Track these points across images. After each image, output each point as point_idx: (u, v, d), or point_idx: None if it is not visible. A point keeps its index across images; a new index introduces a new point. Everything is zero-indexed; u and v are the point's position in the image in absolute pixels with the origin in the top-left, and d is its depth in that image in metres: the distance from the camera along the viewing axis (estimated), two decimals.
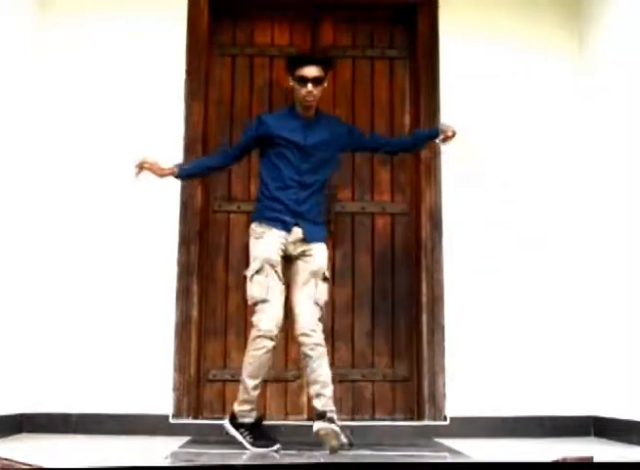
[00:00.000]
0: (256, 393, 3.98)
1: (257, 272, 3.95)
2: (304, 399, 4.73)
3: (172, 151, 4.70)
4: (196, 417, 4.59)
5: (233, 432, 3.96)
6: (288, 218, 4.01)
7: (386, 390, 4.79)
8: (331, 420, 3.87)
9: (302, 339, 3.94)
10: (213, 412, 4.69)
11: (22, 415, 4.42)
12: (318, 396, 3.92)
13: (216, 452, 3.81)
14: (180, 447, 3.95)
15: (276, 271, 3.96)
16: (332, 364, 4.76)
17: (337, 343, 4.80)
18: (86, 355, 4.53)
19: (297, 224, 4.02)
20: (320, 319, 3.99)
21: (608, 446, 4.17)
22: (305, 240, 4.03)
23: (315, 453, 3.74)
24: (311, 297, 3.98)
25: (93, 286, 4.60)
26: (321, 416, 3.87)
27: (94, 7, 4.82)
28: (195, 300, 4.64)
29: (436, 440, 4.37)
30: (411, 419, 4.70)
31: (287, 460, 3.62)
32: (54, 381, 4.51)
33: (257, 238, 4.02)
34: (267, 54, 5.04)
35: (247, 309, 4.77)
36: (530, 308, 4.69)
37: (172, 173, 4.11)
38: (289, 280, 4.05)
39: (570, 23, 4.94)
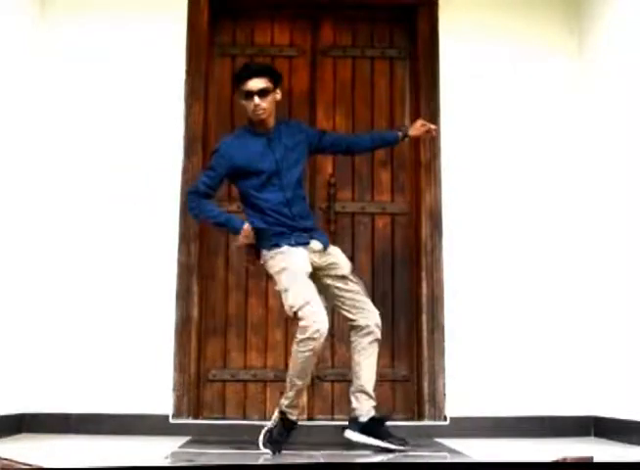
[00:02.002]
0: (300, 396, 3.92)
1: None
2: (304, 398, 4.72)
3: (172, 151, 4.71)
4: (196, 417, 4.59)
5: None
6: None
7: (386, 390, 4.78)
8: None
9: None
10: (213, 412, 4.69)
11: (22, 415, 4.42)
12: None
13: (216, 452, 3.81)
14: (180, 447, 3.95)
15: None
16: (332, 365, 4.78)
17: (337, 343, 4.79)
18: (86, 355, 4.53)
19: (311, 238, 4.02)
20: None
21: (608, 446, 4.17)
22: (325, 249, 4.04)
23: (315, 453, 3.74)
24: None
25: (93, 286, 4.60)
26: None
27: (94, 7, 4.82)
28: (195, 300, 4.64)
29: (436, 440, 4.37)
30: (411, 419, 4.70)
31: (287, 460, 3.62)
32: (54, 381, 4.51)
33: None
34: (267, 54, 5.03)
35: (247, 309, 4.79)
36: (530, 308, 4.69)
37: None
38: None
39: (570, 22, 4.94)
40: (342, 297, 4.00)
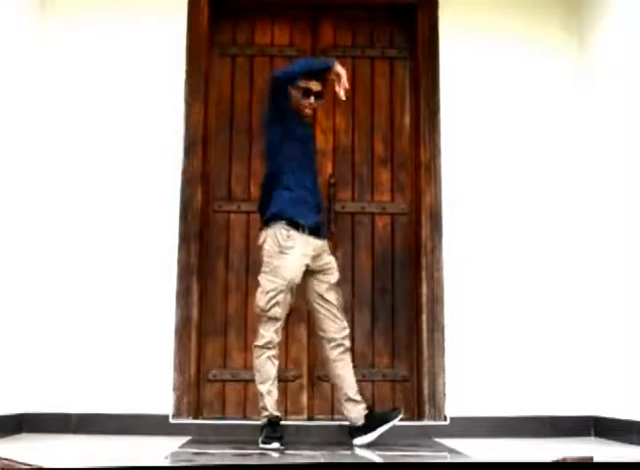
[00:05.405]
0: (271, 398, 4.02)
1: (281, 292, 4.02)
2: (304, 398, 4.73)
3: (172, 151, 4.71)
4: (196, 417, 4.59)
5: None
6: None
7: (386, 390, 4.79)
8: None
9: None
10: (213, 412, 4.69)
11: (22, 415, 4.42)
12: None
13: (216, 452, 3.81)
14: (180, 447, 3.95)
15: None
16: None
17: None
18: (86, 355, 4.53)
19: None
20: None
21: (608, 447, 4.17)
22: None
23: (315, 453, 3.74)
24: None
25: (93, 286, 4.60)
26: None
27: (94, 6, 4.82)
28: (195, 300, 4.64)
29: (436, 440, 4.37)
30: (411, 419, 4.70)
31: (287, 460, 3.62)
32: (54, 381, 4.51)
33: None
34: (267, 54, 5.03)
35: (247, 309, 4.78)
36: (530, 308, 4.69)
37: None
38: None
39: (569, 23, 4.94)
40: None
